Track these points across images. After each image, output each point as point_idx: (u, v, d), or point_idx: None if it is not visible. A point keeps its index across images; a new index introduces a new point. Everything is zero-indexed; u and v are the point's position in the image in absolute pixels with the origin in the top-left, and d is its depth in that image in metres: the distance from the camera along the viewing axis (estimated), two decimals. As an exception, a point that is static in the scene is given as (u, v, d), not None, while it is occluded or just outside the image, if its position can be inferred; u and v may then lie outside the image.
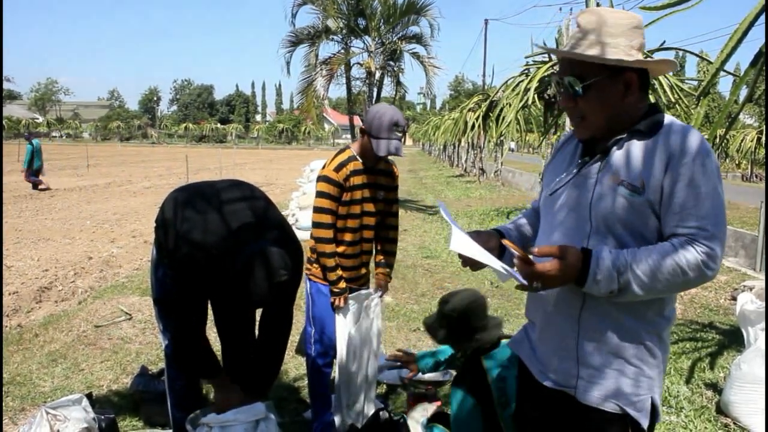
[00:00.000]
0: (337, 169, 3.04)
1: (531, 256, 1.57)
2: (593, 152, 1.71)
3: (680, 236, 1.54)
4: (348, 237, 3.11)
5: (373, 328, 3.27)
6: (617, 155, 1.64)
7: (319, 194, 3.05)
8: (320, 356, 3.23)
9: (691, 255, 1.51)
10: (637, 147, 1.62)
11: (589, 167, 1.69)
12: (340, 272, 3.09)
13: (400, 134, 2.99)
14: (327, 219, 3.03)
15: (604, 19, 1.62)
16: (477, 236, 1.78)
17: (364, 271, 3.24)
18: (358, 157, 3.10)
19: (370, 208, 3.13)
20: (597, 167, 1.66)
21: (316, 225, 3.05)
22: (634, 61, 1.61)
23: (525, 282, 1.55)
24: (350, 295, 3.14)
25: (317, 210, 3.04)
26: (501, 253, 1.85)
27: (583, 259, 1.53)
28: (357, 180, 3.07)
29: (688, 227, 1.53)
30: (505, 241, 1.59)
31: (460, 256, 1.74)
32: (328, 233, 3.04)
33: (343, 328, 3.16)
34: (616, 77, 1.62)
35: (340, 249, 3.10)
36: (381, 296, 3.29)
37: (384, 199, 3.21)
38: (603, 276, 1.52)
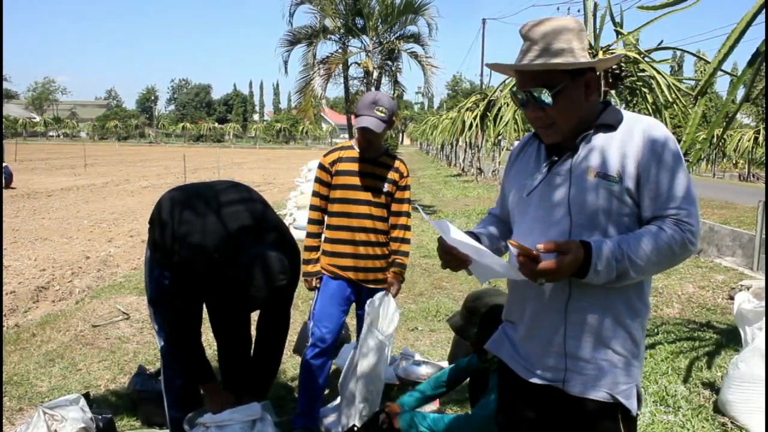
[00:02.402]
0: (327, 154, 3.28)
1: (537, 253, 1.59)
2: (560, 150, 1.76)
3: (663, 218, 1.63)
4: (335, 222, 3.21)
5: (388, 331, 3.18)
6: (587, 149, 1.70)
7: (314, 179, 3.29)
8: (314, 352, 3.21)
9: (677, 235, 1.60)
10: (605, 140, 1.70)
11: (560, 165, 1.74)
12: (314, 255, 3.24)
13: (381, 114, 3.05)
14: (314, 201, 3.26)
15: (557, 27, 1.69)
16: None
17: (362, 263, 3.20)
18: (355, 146, 3.22)
19: (365, 197, 3.15)
20: (569, 164, 1.72)
21: (309, 207, 3.30)
22: (602, 60, 1.73)
23: (521, 277, 1.60)
24: (368, 301, 3.12)
25: (312, 195, 3.30)
26: None
27: (584, 252, 1.57)
28: (347, 166, 3.17)
29: (669, 208, 1.62)
30: (511, 242, 1.61)
31: (442, 256, 1.78)
32: (314, 215, 3.26)
33: (363, 329, 3.14)
34: (578, 80, 1.69)
35: (328, 234, 3.24)
36: (386, 294, 3.21)
37: (389, 193, 3.21)
38: (603, 266, 1.57)
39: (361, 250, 3.20)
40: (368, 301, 3.13)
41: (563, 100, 1.68)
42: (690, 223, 1.61)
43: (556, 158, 1.76)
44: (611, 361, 1.71)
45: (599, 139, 1.70)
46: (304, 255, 3.13)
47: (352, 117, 3.22)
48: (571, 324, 1.71)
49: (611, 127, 1.70)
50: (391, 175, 3.22)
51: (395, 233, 3.29)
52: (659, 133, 1.66)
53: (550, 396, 1.77)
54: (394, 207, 3.26)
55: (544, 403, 1.79)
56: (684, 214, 1.62)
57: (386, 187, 3.20)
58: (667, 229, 1.60)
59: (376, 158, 3.20)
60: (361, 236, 3.18)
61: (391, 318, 3.17)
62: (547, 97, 1.67)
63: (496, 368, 2.70)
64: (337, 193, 3.17)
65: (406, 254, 3.33)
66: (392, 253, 3.30)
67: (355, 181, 3.15)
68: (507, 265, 1.66)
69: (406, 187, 3.28)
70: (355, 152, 3.19)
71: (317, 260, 3.23)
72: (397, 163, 3.25)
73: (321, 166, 3.22)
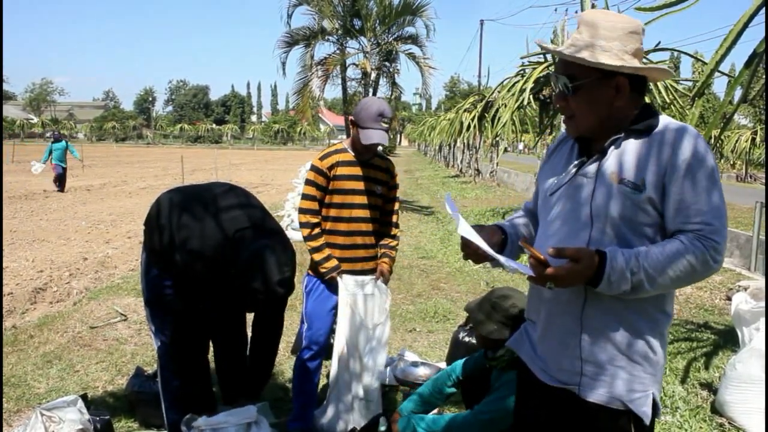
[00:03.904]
0: (323, 157, 3.15)
1: (545, 257, 1.58)
2: (590, 152, 1.73)
3: (687, 232, 1.57)
4: (330, 226, 3.16)
5: (377, 321, 3.22)
6: (615, 154, 1.66)
7: (305, 182, 3.18)
8: (309, 354, 3.22)
9: (699, 251, 1.54)
10: (635, 146, 1.65)
11: (587, 167, 1.71)
12: (327, 251, 3.11)
13: (386, 125, 3.05)
14: (309, 205, 3.12)
15: (600, 22, 1.66)
16: (480, 230, 1.79)
17: (359, 266, 3.22)
18: (349, 149, 3.18)
19: (363, 201, 3.16)
20: (595, 166, 1.69)
21: (300, 211, 3.16)
22: (618, 66, 1.62)
23: (532, 274, 1.57)
24: (347, 279, 3.14)
25: (302, 197, 3.16)
26: (502, 248, 1.87)
27: (598, 261, 1.54)
28: (345, 170, 3.13)
29: (693, 223, 1.57)
30: (523, 243, 1.61)
31: (463, 249, 1.78)
32: (310, 218, 3.12)
33: (343, 323, 3.14)
34: (607, 80, 1.65)
35: (332, 239, 3.15)
36: (376, 280, 3.25)
37: (382, 194, 3.25)
38: (617, 277, 1.54)
39: (360, 253, 3.22)
40: (343, 296, 3.12)
41: (583, 95, 1.67)
42: (715, 239, 1.54)
43: (585, 160, 1.73)
44: (627, 368, 1.67)
45: (629, 144, 1.65)
46: (314, 256, 3.11)
47: (352, 124, 3.09)
48: (586, 328, 1.69)
49: (643, 132, 1.65)
50: (384, 177, 3.27)
51: (387, 230, 3.36)
52: (692, 142, 1.59)
53: (563, 399, 1.75)
54: (387, 206, 3.32)
55: (557, 405, 1.78)
56: (709, 230, 1.55)
57: (380, 189, 3.24)
58: (689, 244, 1.54)
59: (369, 161, 3.22)
60: (356, 240, 3.19)
61: (381, 306, 3.21)
62: (565, 84, 1.67)
63: (502, 367, 2.71)
64: (337, 198, 3.13)
65: (395, 248, 3.40)
66: (382, 247, 3.34)
67: (355, 185, 3.14)
68: (512, 263, 1.66)
69: (395, 186, 3.37)
70: (351, 156, 3.16)
71: (331, 256, 3.12)
72: (388, 164, 3.32)
73: (317, 170, 3.11)
